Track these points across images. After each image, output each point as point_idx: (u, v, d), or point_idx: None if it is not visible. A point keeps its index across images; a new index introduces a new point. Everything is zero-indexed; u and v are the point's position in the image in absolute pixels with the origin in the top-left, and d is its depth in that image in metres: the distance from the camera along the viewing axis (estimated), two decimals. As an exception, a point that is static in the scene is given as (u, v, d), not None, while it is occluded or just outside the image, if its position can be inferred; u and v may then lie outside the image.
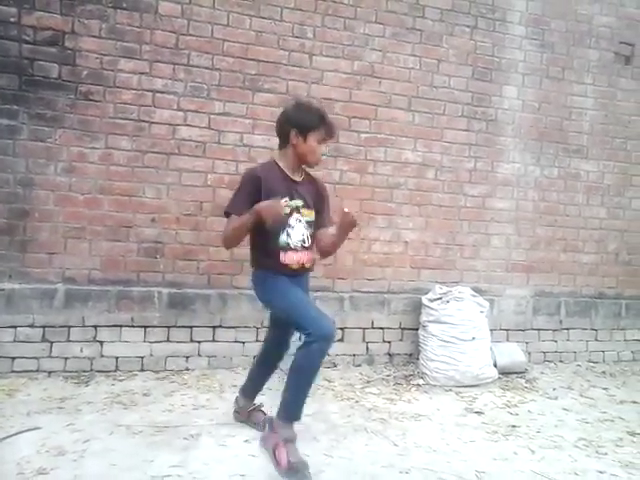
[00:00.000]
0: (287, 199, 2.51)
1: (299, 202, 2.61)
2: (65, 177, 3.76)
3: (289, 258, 2.57)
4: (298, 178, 2.66)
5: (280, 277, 2.57)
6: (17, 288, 3.65)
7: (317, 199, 2.73)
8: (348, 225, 2.49)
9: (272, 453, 2.46)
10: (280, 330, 2.81)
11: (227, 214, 2.56)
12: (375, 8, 4.35)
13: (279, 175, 2.60)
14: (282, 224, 2.50)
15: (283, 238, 2.56)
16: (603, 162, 5.02)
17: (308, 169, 2.75)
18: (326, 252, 2.75)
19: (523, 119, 4.78)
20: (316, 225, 2.71)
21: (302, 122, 2.55)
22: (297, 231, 2.58)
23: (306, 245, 2.63)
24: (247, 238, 2.65)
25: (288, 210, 2.54)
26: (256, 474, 2.43)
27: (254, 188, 2.50)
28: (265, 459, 2.52)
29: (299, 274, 2.66)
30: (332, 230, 2.67)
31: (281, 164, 2.62)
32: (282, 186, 2.56)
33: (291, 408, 2.48)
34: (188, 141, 3.98)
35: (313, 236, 2.70)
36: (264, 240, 2.55)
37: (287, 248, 2.57)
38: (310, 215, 2.67)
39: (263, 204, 2.39)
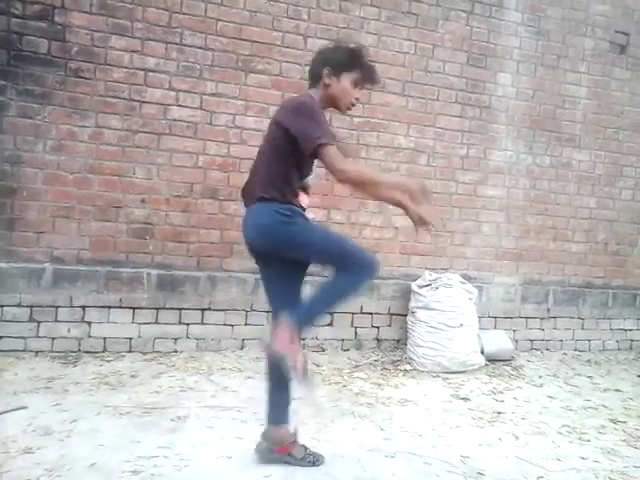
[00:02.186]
0: None
1: None
2: (54, 155, 3.71)
3: (302, 199, 2.34)
4: None
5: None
6: (4, 267, 3.62)
7: None
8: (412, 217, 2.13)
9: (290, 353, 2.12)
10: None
11: (321, 144, 2.08)
12: (371, -10, 4.29)
13: None
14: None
15: (307, 180, 2.34)
16: (595, 152, 5.04)
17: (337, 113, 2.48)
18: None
19: (516, 107, 4.77)
20: None
21: (337, 60, 2.29)
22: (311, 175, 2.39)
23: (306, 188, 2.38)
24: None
25: None
26: (243, 456, 2.43)
27: None
28: (252, 442, 2.48)
29: None
30: None
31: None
32: None
33: (311, 317, 2.26)
34: (179, 121, 3.93)
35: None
36: (296, 176, 2.26)
37: (302, 189, 2.33)
38: None
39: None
